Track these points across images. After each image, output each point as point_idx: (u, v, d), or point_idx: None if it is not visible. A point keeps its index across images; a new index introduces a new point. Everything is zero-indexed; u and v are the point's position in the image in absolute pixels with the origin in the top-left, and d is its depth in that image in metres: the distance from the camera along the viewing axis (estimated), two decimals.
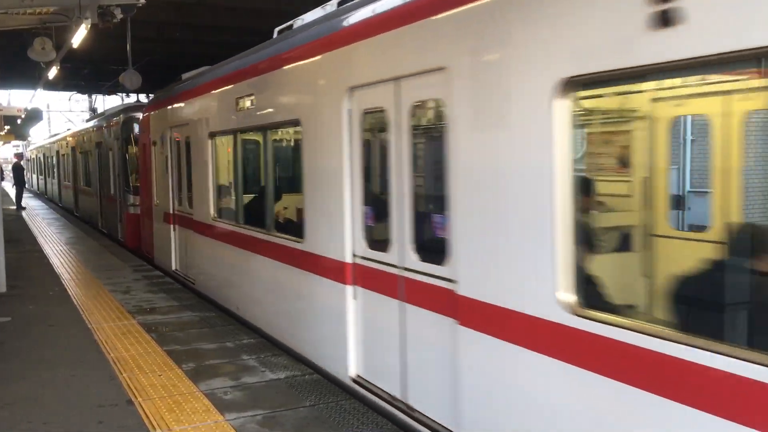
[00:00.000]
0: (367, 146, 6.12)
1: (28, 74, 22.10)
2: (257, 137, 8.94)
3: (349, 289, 6.26)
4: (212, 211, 10.24)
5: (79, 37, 13.47)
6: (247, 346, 8.02)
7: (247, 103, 8.53)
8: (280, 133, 8.66)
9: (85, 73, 26.40)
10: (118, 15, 12.43)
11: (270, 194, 8.25)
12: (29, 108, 25.13)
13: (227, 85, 9.43)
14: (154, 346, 8.07)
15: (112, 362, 7.47)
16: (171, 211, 12.66)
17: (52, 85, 26.30)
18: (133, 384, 6.74)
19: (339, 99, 6.22)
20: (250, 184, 9.42)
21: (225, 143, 10.02)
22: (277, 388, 6.59)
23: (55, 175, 33.27)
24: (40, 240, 18.55)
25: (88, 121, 28.40)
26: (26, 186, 34.82)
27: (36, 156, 44.93)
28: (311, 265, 6.97)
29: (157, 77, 22.76)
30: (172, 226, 12.65)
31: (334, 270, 6.46)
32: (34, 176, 46.44)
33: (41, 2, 11.94)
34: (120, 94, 30.43)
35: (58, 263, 14.49)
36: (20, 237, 19.04)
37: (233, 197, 9.67)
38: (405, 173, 5.41)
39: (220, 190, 10.30)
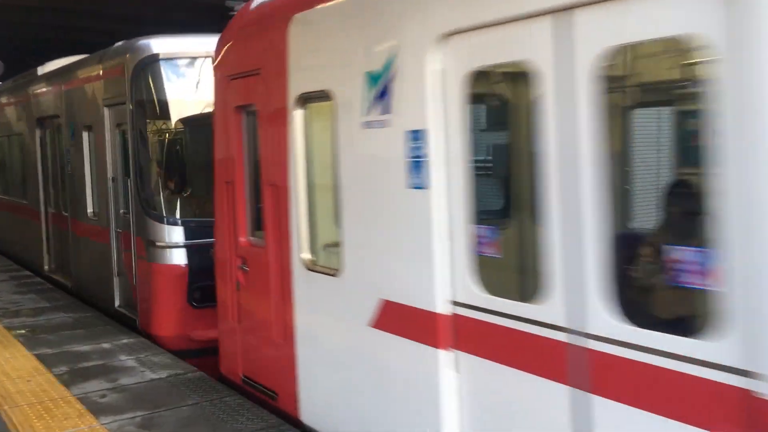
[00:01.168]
0: None
1: None
2: None
3: None
4: None
5: None
6: (125, 347, 7.67)
7: None
8: None
9: None
10: None
11: None
12: None
13: None
14: (22, 350, 7.60)
15: None
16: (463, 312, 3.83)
17: None
18: None
19: None
20: None
21: None
22: (158, 388, 6.34)
23: None
24: None
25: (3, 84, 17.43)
26: None
27: None
28: None
29: (21, 64, 21.58)
30: (454, 356, 3.89)
31: None
32: None
33: None
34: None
35: None
36: None
37: None
38: None
39: None
